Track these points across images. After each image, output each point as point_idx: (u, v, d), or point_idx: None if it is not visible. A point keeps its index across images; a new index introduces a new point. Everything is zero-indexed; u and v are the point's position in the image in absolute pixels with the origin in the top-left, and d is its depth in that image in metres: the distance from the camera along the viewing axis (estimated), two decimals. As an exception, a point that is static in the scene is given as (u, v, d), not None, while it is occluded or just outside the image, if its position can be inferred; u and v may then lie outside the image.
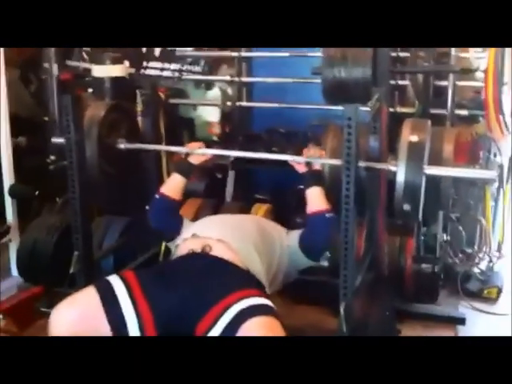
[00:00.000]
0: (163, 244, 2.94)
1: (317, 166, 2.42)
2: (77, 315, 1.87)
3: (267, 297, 2.04)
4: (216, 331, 1.86)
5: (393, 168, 2.20)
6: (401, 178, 2.13)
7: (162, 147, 3.01)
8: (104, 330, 1.87)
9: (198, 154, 2.51)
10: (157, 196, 2.49)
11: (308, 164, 2.39)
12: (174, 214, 2.51)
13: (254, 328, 1.81)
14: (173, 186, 2.51)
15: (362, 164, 2.22)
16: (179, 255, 2.24)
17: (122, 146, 2.71)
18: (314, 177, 2.41)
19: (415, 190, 2.14)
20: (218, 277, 2.05)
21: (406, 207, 2.16)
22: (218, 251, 2.16)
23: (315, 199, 2.38)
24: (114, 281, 1.99)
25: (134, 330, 1.89)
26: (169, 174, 2.95)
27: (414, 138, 2.17)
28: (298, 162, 2.42)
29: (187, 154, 2.52)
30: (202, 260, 2.15)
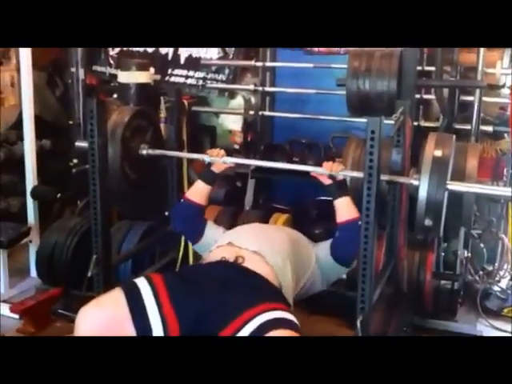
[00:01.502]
0: (181, 249, 2.95)
1: (341, 177, 2.41)
2: (103, 318, 1.85)
3: (292, 313, 2.00)
4: None
5: (415, 182, 2.18)
6: (423, 192, 2.10)
7: (184, 154, 3.02)
8: (129, 334, 1.85)
9: (219, 162, 2.52)
10: (182, 200, 2.55)
11: (332, 175, 2.38)
12: (199, 217, 2.53)
13: None
14: (197, 192, 2.53)
15: (383, 177, 2.21)
16: (210, 261, 2.22)
17: (145, 151, 2.73)
18: (341, 187, 2.40)
19: (437, 205, 2.12)
20: (245, 288, 2.02)
21: (428, 222, 2.13)
22: (251, 263, 2.13)
23: (345, 208, 2.37)
24: (141, 284, 1.96)
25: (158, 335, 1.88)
26: (189, 181, 2.96)
27: (438, 153, 2.15)
28: (320, 174, 2.41)
29: (209, 163, 2.53)
30: (232, 270, 2.12)
